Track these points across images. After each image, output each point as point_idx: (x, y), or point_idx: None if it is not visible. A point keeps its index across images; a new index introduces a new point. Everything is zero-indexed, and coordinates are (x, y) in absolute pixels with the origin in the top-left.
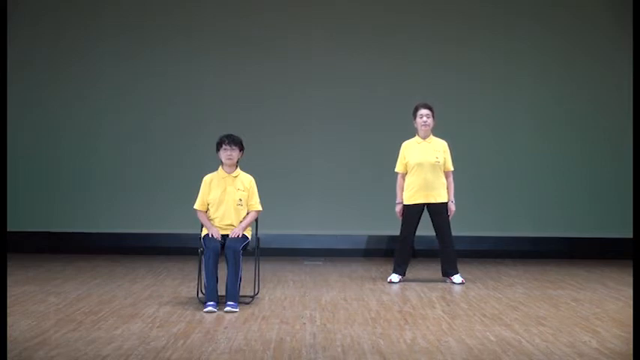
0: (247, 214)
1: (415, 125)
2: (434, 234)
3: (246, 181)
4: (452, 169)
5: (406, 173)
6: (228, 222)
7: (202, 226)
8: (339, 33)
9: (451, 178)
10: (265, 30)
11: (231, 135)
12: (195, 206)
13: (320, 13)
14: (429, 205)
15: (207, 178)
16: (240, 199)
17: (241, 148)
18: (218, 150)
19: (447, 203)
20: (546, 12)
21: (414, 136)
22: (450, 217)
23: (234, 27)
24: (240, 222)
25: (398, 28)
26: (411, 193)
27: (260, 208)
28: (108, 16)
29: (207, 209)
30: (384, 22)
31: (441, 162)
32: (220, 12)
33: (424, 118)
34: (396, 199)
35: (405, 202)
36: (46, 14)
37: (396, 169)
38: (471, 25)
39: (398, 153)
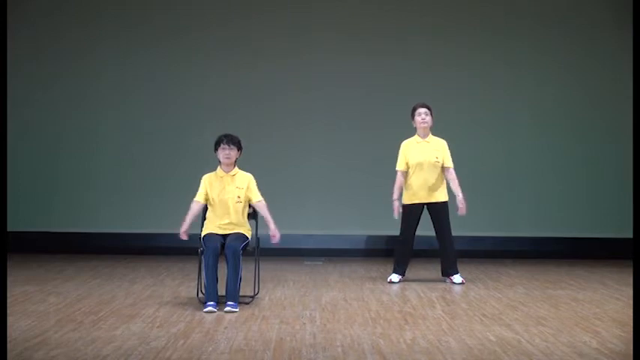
0: (256, 210)
1: (414, 125)
2: (434, 234)
3: (244, 178)
4: (450, 165)
5: (403, 170)
6: (227, 221)
7: (202, 226)
8: (339, 33)
9: (453, 175)
10: (265, 30)
11: (230, 134)
12: (196, 198)
13: (320, 13)
14: (429, 204)
15: (205, 177)
16: (239, 197)
17: (239, 148)
18: (216, 150)
19: (447, 203)
20: (546, 12)
21: (414, 135)
22: (465, 212)
23: (235, 27)
24: (266, 219)
25: (398, 28)
26: (410, 193)
27: (262, 199)
28: (108, 16)
29: (206, 207)
30: (384, 22)
31: (441, 161)
32: (221, 12)
33: (422, 116)
34: (392, 195)
35: (405, 202)
36: (46, 14)
37: (397, 167)
38: (471, 26)
39: (397, 152)
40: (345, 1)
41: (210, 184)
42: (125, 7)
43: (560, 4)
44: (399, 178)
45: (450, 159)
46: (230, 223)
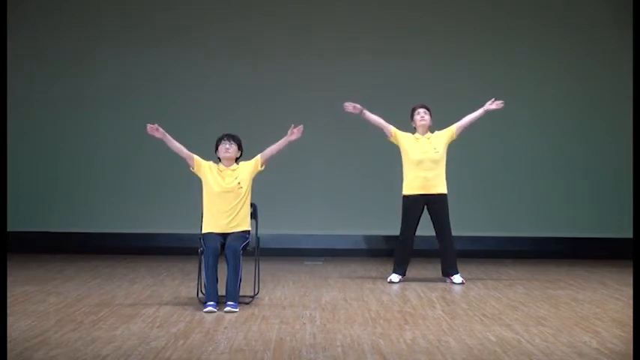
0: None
1: (413, 124)
2: (434, 234)
3: (240, 167)
4: (454, 125)
5: (393, 132)
6: (228, 207)
7: (202, 226)
8: (339, 33)
9: (464, 119)
10: (265, 30)
11: (231, 133)
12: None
13: (320, 13)
14: (428, 199)
15: (211, 162)
16: (239, 183)
17: (240, 147)
18: (217, 148)
19: (446, 196)
20: (546, 12)
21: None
22: (500, 103)
23: (235, 27)
24: (277, 145)
25: (398, 28)
26: (409, 186)
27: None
28: (108, 16)
29: (194, 166)
30: (384, 22)
31: (441, 152)
32: (221, 12)
33: (422, 114)
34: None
35: (404, 193)
36: (46, 14)
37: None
38: (471, 26)
39: (397, 152)
40: (345, 1)
41: (209, 171)
42: (125, 7)
43: (560, 4)
44: (386, 123)
45: (450, 128)
46: (230, 214)
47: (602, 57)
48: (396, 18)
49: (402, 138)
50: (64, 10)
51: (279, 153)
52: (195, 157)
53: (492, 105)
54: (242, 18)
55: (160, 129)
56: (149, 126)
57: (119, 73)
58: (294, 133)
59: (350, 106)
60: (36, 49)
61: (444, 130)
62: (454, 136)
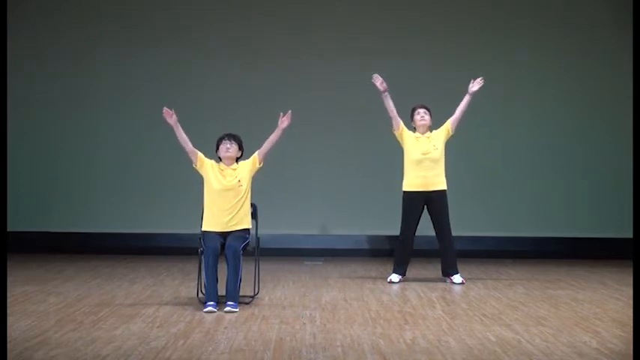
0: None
1: (413, 124)
2: (434, 234)
3: (241, 165)
4: (448, 122)
5: (400, 127)
6: (228, 205)
7: (202, 225)
8: (339, 33)
9: (456, 113)
10: (265, 30)
11: (231, 133)
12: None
13: (320, 13)
14: (428, 197)
15: (212, 161)
16: (240, 181)
17: (240, 147)
18: (217, 148)
19: (445, 192)
20: (546, 12)
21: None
22: (481, 81)
23: (235, 27)
24: (272, 138)
25: (398, 28)
26: (410, 185)
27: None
28: (108, 16)
29: (197, 163)
30: (384, 22)
31: (440, 149)
32: (221, 12)
33: (422, 114)
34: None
35: (405, 189)
36: (46, 14)
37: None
38: (471, 26)
39: (397, 151)
40: (345, 1)
41: (211, 169)
42: (125, 7)
43: (560, 4)
44: (397, 115)
45: (445, 124)
46: (230, 212)
47: (602, 57)
48: (396, 18)
49: (407, 136)
50: (64, 10)
51: (276, 144)
52: (199, 153)
53: (474, 86)
54: (242, 18)
55: (175, 116)
56: (165, 109)
57: (119, 73)
58: (284, 121)
59: (378, 80)
60: (36, 49)
61: (440, 128)
62: (450, 132)
